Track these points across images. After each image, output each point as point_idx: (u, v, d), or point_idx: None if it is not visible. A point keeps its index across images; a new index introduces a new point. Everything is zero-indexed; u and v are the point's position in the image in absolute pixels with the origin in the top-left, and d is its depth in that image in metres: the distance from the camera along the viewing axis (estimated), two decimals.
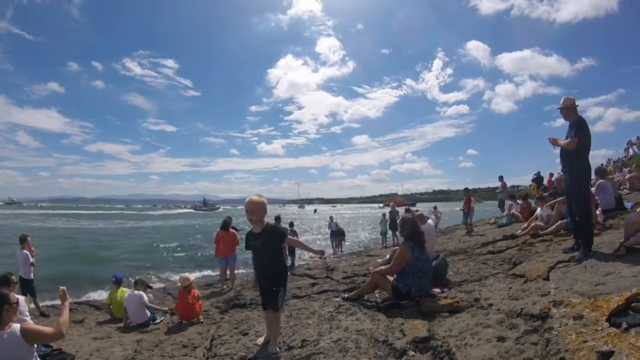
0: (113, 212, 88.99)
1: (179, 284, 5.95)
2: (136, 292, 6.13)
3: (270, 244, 3.31)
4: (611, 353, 2.06)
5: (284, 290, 3.40)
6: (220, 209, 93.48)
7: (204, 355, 3.73)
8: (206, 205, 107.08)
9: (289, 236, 3.57)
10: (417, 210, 11.21)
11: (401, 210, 16.50)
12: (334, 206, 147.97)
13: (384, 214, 16.67)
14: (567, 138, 4.68)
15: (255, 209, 3.28)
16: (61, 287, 2.93)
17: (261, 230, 3.33)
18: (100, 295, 9.23)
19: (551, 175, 16.20)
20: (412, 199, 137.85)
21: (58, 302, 2.94)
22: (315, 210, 61.09)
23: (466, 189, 13.69)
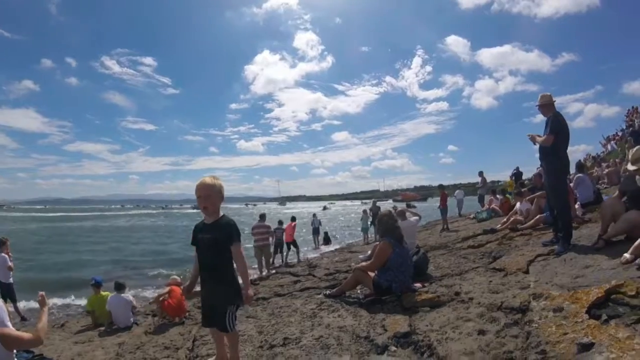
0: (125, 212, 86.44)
1: (170, 282, 6.04)
2: (122, 295, 6.03)
3: (222, 242, 2.48)
4: (591, 345, 2.07)
5: (235, 307, 2.56)
6: None
7: (186, 356, 3.63)
8: None
9: (240, 247, 2.53)
10: (410, 204, 11.25)
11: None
12: (332, 203, 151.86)
13: (364, 211, 16.63)
14: (544, 134, 4.77)
15: (210, 193, 2.49)
16: (40, 292, 2.87)
17: (214, 221, 2.54)
18: (82, 299, 8.86)
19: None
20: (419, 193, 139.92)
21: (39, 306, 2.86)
22: (324, 207, 60.74)
23: (441, 186, 13.59)
